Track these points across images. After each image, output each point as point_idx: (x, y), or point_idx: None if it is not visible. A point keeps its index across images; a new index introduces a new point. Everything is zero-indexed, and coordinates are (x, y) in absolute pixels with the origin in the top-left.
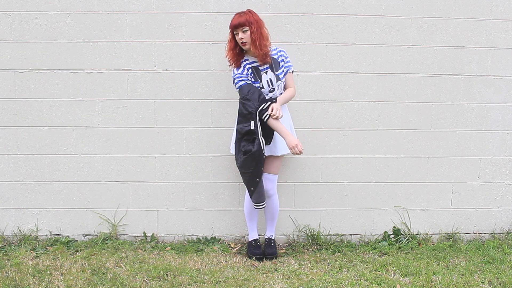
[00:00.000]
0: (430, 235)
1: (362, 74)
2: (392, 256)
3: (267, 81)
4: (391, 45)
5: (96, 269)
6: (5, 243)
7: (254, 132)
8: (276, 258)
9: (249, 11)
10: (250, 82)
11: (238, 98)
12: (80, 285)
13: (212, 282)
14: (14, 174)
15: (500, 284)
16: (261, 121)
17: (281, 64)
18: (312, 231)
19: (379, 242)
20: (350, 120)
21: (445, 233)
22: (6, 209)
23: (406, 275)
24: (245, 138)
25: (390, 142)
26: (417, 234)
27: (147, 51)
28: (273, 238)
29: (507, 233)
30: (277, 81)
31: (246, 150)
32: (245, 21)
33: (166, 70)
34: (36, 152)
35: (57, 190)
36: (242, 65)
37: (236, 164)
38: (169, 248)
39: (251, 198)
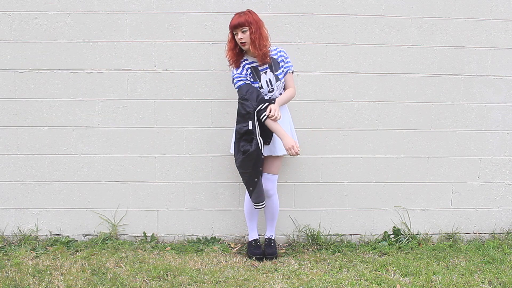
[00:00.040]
0: (430, 235)
1: (362, 74)
2: (392, 256)
3: (266, 81)
4: (391, 45)
5: (96, 269)
6: (5, 243)
7: (252, 132)
8: (276, 258)
9: (249, 11)
10: (249, 82)
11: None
12: (80, 285)
13: (212, 282)
14: (14, 174)
15: (500, 284)
16: (260, 121)
17: (280, 64)
18: (312, 231)
19: (379, 242)
20: (350, 120)
21: (445, 233)
22: (6, 209)
23: (406, 275)
24: (244, 138)
25: (390, 142)
26: (417, 234)
27: (147, 51)
28: (273, 238)
29: (507, 233)
30: (276, 82)
31: (244, 150)
32: (244, 21)
33: (166, 70)
34: (36, 152)
35: (57, 190)
36: (241, 65)
37: (235, 164)
38: (169, 248)
39: (250, 198)
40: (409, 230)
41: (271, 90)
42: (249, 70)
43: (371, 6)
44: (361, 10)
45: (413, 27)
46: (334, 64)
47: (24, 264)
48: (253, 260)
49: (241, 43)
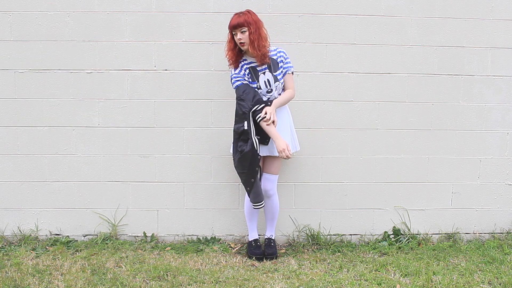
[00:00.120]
0: (430, 235)
1: (362, 74)
2: (392, 256)
3: (265, 81)
4: (391, 45)
5: (96, 269)
6: (5, 243)
7: (248, 133)
8: (276, 258)
9: (248, 12)
10: (247, 82)
11: None
12: (80, 285)
13: (212, 282)
14: (14, 174)
15: (500, 284)
16: (256, 121)
17: (280, 65)
18: (312, 231)
19: (379, 242)
20: (350, 120)
21: (445, 233)
22: (6, 209)
23: (406, 275)
24: (241, 138)
25: (390, 142)
26: (417, 234)
27: (147, 51)
28: (273, 238)
29: (507, 233)
30: (275, 82)
31: (241, 150)
32: (243, 22)
33: (166, 70)
34: (36, 152)
35: (57, 190)
36: (240, 65)
37: (233, 164)
38: (169, 248)
39: (249, 198)
40: (409, 230)
41: (269, 90)
42: (247, 71)
43: (371, 6)
44: (361, 10)
45: (413, 27)
46: (334, 64)
47: (24, 264)
48: (253, 260)
49: (240, 43)
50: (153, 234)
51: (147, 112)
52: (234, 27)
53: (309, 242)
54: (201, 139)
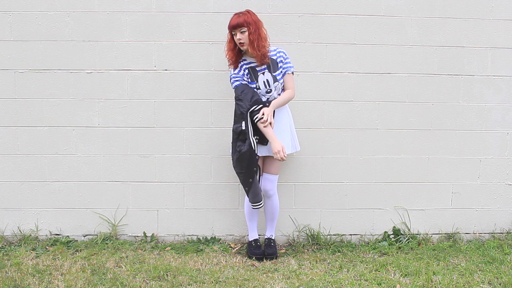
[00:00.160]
0: (430, 235)
1: (362, 74)
2: (392, 256)
3: (264, 82)
4: (391, 45)
5: (96, 269)
6: (5, 243)
7: (246, 133)
8: (276, 258)
9: (248, 12)
10: (246, 82)
11: None
12: (80, 285)
13: (212, 282)
14: (14, 174)
15: (500, 284)
16: (253, 122)
17: (279, 65)
18: (312, 231)
19: (379, 242)
20: (350, 120)
21: (445, 233)
22: (6, 209)
23: (406, 275)
24: (240, 138)
25: (390, 142)
26: (417, 234)
27: (147, 51)
28: (273, 238)
29: (507, 233)
30: (274, 82)
31: (239, 150)
32: (243, 22)
33: (166, 70)
34: (36, 152)
35: (57, 190)
36: (239, 65)
37: (232, 164)
38: (169, 248)
39: (248, 198)
40: (409, 230)
41: (268, 90)
42: (247, 71)
43: (371, 6)
44: (361, 10)
45: (413, 27)
46: (334, 64)
47: (24, 264)
48: (253, 260)
49: (240, 43)
50: (153, 234)
51: (147, 112)
52: (233, 27)
53: (309, 242)
54: (201, 139)
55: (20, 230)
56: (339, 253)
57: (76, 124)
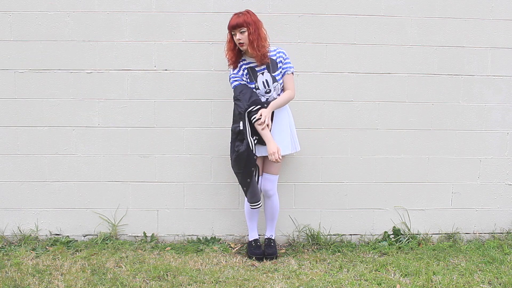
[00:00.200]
0: (430, 235)
1: (362, 74)
2: (392, 256)
3: (263, 82)
4: (391, 45)
5: (96, 269)
6: (5, 243)
7: (243, 133)
8: (276, 258)
9: (247, 12)
10: (245, 82)
11: None
12: (80, 285)
13: (212, 282)
14: (14, 174)
15: (500, 284)
16: (251, 122)
17: (279, 65)
18: (312, 231)
19: (379, 242)
20: (350, 120)
21: (445, 233)
22: (6, 209)
23: (406, 275)
24: (238, 138)
25: (390, 142)
26: (417, 234)
27: (147, 51)
28: (273, 238)
29: (507, 233)
30: (273, 83)
31: (237, 150)
32: (242, 22)
33: (166, 70)
34: (36, 152)
35: (57, 190)
36: (239, 65)
37: (230, 164)
38: (169, 248)
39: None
40: (409, 230)
41: (268, 91)
42: (246, 71)
43: (371, 6)
44: (361, 10)
45: (413, 27)
46: (334, 64)
47: (24, 264)
48: (253, 260)
49: (239, 43)
50: (153, 234)
51: (147, 112)
52: (233, 28)
53: (309, 242)
54: (201, 139)
55: (20, 230)
56: (339, 253)
57: (76, 124)
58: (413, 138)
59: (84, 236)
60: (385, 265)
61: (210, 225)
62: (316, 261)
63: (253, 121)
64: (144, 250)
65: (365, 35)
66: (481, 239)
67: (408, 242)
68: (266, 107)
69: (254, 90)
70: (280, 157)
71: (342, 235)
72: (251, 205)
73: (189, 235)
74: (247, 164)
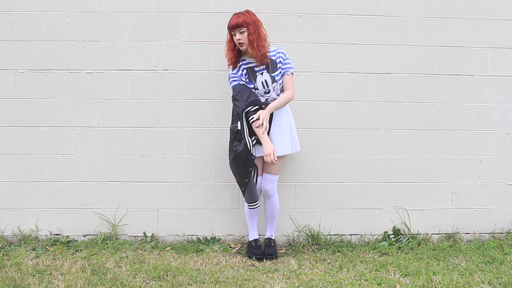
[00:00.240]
0: (430, 235)
1: (362, 74)
2: (392, 256)
3: (262, 82)
4: (391, 45)
5: (96, 269)
6: (5, 243)
7: (241, 133)
8: (276, 258)
9: (247, 12)
10: (244, 82)
11: None
12: (80, 285)
13: (212, 282)
14: (14, 174)
15: (500, 284)
16: (249, 122)
17: (278, 65)
18: (312, 231)
19: (379, 242)
20: (350, 120)
21: (445, 233)
22: (6, 209)
23: (406, 275)
24: (236, 138)
25: (390, 142)
26: (417, 234)
27: (147, 51)
28: (273, 238)
29: (507, 233)
30: (272, 83)
31: (236, 150)
32: (242, 22)
33: (166, 70)
34: (36, 152)
35: (57, 190)
36: (238, 65)
37: (228, 163)
38: (169, 248)
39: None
40: (409, 230)
41: (267, 91)
42: (245, 71)
43: (371, 6)
44: (361, 10)
45: (413, 27)
46: (334, 64)
47: (24, 264)
48: (253, 260)
49: (239, 43)
50: (153, 234)
51: (147, 112)
52: (233, 28)
53: (309, 242)
54: (201, 139)
55: (20, 230)
56: (339, 253)
57: (76, 124)
58: (413, 138)
59: (84, 236)
60: (385, 265)
61: (210, 225)
62: (316, 261)
63: (250, 122)
64: (144, 250)
65: (365, 35)
66: (481, 239)
67: (408, 242)
68: (264, 108)
69: (253, 90)
70: (276, 158)
71: (342, 235)
72: (248, 205)
73: (189, 235)
74: (245, 164)
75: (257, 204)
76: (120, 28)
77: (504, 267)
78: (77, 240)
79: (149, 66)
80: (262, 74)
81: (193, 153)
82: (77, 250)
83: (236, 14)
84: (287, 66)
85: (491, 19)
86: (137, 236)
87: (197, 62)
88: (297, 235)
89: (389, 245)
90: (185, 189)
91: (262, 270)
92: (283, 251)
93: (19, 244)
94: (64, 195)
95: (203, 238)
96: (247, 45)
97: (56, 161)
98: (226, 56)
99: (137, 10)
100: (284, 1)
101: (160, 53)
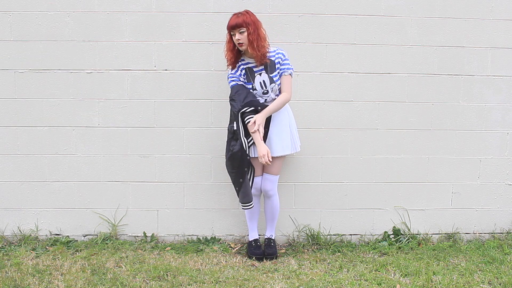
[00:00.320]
0: (430, 235)
1: (362, 74)
2: (392, 256)
3: (260, 82)
4: (391, 45)
5: (96, 269)
6: (5, 243)
7: (237, 133)
8: (276, 258)
9: (247, 12)
10: (242, 83)
11: None
12: (80, 285)
13: (212, 282)
14: (14, 174)
15: (500, 284)
16: (244, 123)
17: (277, 66)
18: (312, 231)
19: (379, 242)
20: (350, 120)
21: (445, 233)
22: (6, 209)
23: (406, 275)
24: (233, 137)
25: (390, 142)
26: (417, 234)
27: (147, 51)
28: (273, 238)
29: (507, 233)
30: (270, 84)
31: (232, 149)
32: (242, 22)
33: (166, 70)
34: (36, 152)
35: (57, 190)
36: (237, 65)
37: (225, 163)
38: (169, 248)
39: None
40: (409, 230)
41: (265, 92)
42: (244, 71)
43: (371, 6)
44: (361, 10)
45: (413, 27)
46: (334, 64)
47: (24, 264)
48: (253, 260)
49: (239, 44)
50: (153, 234)
51: (147, 112)
52: (232, 28)
53: (309, 242)
54: (201, 139)
55: (20, 230)
56: (339, 253)
57: (76, 124)
58: (413, 138)
59: (84, 236)
60: (385, 265)
61: (210, 225)
62: (316, 261)
63: (246, 123)
64: (144, 250)
65: (365, 35)
66: (481, 239)
67: (408, 242)
68: (260, 110)
69: (251, 91)
70: (270, 159)
71: (342, 235)
72: (242, 205)
73: (189, 235)
74: (240, 164)
75: (251, 204)
76: (120, 28)
77: (504, 267)
78: (77, 240)
79: (149, 66)
80: (260, 74)
81: (193, 153)
82: (77, 250)
83: (236, 14)
84: (286, 66)
85: (491, 19)
86: (137, 236)
87: (197, 62)
88: (297, 235)
89: (389, 245)
90: (185, 189)
91: (262, 270)
92: (283, 251)
93: (19, 244)
94: (64, 195)
95: (203, 238)
96: (246, 45)
97: (56, 161)
98: (225, 56)
99: (137, 10)
100: (284, 1)
101: (160, 53)
